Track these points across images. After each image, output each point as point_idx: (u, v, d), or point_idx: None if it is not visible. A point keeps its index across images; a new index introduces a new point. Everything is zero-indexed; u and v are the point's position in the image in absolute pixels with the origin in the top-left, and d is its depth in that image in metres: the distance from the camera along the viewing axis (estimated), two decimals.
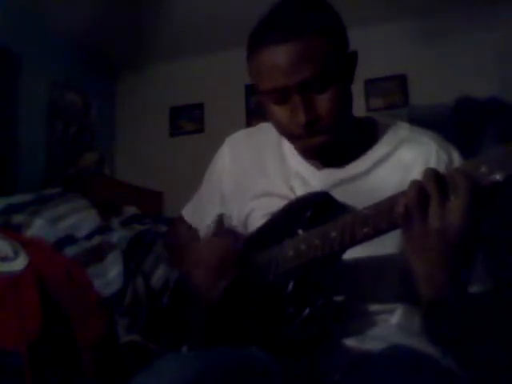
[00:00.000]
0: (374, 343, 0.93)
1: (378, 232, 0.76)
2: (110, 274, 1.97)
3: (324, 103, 0.90)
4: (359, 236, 0.78)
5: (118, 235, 2.22)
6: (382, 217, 0.75)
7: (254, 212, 1.05)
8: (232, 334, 1.01)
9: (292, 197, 0.99)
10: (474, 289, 0.93)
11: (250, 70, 0.96)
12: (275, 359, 0.92)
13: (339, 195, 0.91)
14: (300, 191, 0.99)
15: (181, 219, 1.26)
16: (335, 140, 0.95)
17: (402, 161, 0.97)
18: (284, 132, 0.97)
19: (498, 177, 0.61)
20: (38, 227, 2.01)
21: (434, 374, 0.87)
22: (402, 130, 1.02)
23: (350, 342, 0.93)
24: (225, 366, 0.84)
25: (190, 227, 1.24)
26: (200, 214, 1.21)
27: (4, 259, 1.63)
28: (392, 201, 0.75)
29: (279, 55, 0.88)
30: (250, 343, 0.95)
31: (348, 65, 0.96)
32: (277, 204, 0.99)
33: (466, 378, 0.93)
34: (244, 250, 1.04)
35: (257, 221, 1.04)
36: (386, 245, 0.79)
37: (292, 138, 0.97)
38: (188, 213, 1.25)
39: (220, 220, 1.17)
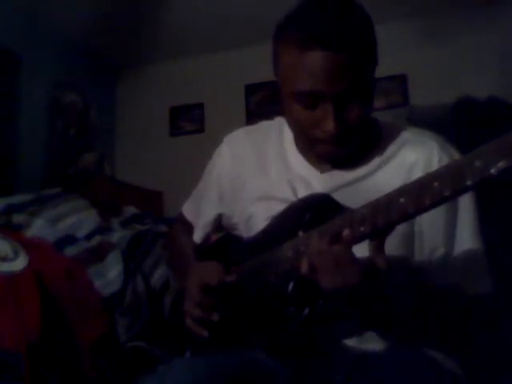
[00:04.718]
0: (373, 343, 0.93)
1: (375, 231, 0.76)
2: (110, 274, 1.97)
3: (354, 115, 0.91)
4: (357, 235, 0.78)
5: (118, 235, 2.22)
6: (379, 215, 0.75)
7: (256, 215, 1.05)
8: (234, 336, 1.01)
9: (294, 200, 0.99)
10: (476, 291, 0.93)
11: (283, 66, 0.93)
12: (278, 361, 0.92)
13: (342, 198, 0.91)
14: (303, 194, 0.99)
15: (181, 216, 1.27)
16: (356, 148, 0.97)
17: (404, 162, 0.97)
18: (305, 134, 0.95)
19: (492, 171, 0.61)
20: (38, 227, 2.01)
21: (434, 374, 0.88)
22: (404, 131, 1.02)
23: (350, 342, 0.93)
24: (229, 371, 0.84)
25: (188, 227, 1.24)
26: (198, 212, 1.21)
27: (4, 259, 1.63)
28: (389, 198, 0.75)
29: (326, 61, 0.86)
30: (252, 344, 0.95)
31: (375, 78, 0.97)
32: (278, 207, 0.99)
33: (466, 378, 0.93)
34: (245, 252, 1.04)
35: (259, 224, 1.04)
36: (386, 243, 0.79)
37: (314, 141, 0.95)
38: (187, 210, 1.26)
39: (217, 221, 1.18)
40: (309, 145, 0.97)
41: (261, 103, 3.73)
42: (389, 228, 0.76)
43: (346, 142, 0.93)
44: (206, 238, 1.21)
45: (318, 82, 0.87)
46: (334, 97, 0.88)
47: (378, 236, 0.77)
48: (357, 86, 0.89)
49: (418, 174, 0.89)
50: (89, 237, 2.14)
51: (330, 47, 0.86)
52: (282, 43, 0.93)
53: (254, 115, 3.70)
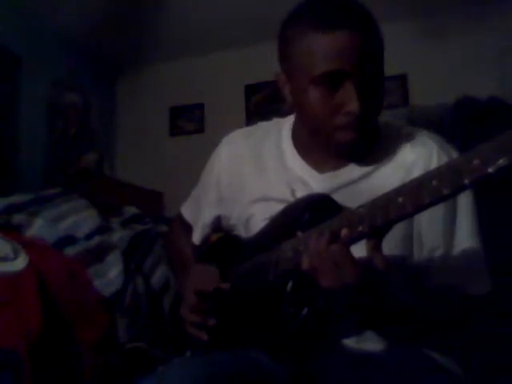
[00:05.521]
0: (373, 343, 0.93)
1: (373, 230, 0.76)
2: (110, 274, 1.97)
3: (374, 98, 0.91)
4: (355, 234, 0.78)
5: (118, 235, 2.22)
6: (377, 214, 0.75)
7: (255, 217, 1.05)
8: (233, 336, 1.01)
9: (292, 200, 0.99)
10: (475, 291, 0.93)
11: (298, 52, 0.92)
12: (277, 361, 0.92)
13: (341, 198, 0.91)
14: (301, 195, 0.99)
15: (180, 217, 1.27)
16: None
17: (403, 162, 0.97)
18: (324, 125, 0.93)
19: (490, 169, 0.61)
20: (38, 227, 2.00)
21: (434, 374, 0.88)
22: (404, 130, 1.02)
23: (350, 342, 0.93)
24: (229, 371, 0.84)
25: (187, 228, 1.24)
26: (197, 213, 1.21)
27: (4, 259, 1.63)
28: (387, 197, 0.75)
29: (352, 40, 0.87)
30: (251, 344, 0.95)
31: None
32: (277, 208, 0.99)
33: (466, 379, 0.93)
34: (244, 253, 1.04)
35: (258, 225, 1.04)
36: (385, 244, 0.78)
37: (334, 129, 0.93)
38: (186, 211, 1.26)
39: (216, 222, 1.18)
40: (327, 137, 0.95)
41: (261, 103, 3.73)
42: (387, 227, 0.76)
43: (365, 129, 0.93)
44: (205, 239, 1.21)
45: (342, 61, 0.87)
46: (357, 76, 0.88)
47: (376, 235, 0.77)
48: (376, 67, 0.90)
49: (417, 173, 0.89)
50: (89, 237, 2.14)
51: (354, 27, 0.87)
52: (297, 30, 0.92)
53: (254, 115, 3.70)
